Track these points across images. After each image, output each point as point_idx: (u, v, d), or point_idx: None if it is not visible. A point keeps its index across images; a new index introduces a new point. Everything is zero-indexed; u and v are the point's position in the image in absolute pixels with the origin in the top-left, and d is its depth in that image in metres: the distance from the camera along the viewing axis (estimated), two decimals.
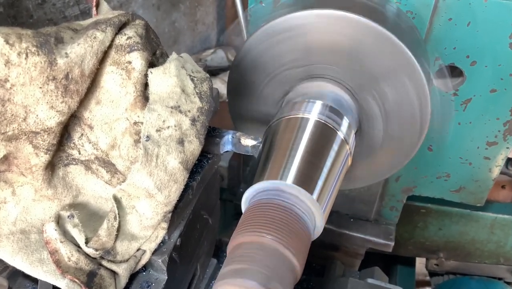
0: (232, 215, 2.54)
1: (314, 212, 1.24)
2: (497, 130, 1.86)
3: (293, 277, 1.12)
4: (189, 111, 1.23)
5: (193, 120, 1.23)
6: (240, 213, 1.25)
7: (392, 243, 2.25)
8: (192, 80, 1.27)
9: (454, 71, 1.75)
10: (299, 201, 1.22)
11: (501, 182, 2.56)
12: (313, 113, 1.46)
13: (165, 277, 1.27)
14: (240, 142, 1.43)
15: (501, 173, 2.13)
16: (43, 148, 1.15)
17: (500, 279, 2.76)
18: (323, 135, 1.43)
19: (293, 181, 1.25)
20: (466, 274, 2.77)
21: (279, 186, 1.24)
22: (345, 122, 1.49)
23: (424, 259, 2.88)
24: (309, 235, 1.22)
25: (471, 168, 2.02)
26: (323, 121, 1.44)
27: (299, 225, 1.17)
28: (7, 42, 1.00)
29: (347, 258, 2.40)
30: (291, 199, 1.21)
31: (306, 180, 1.28)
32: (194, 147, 1.22)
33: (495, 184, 2.17)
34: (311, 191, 1.24)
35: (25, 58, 1.03)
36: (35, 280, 1.23)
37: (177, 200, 1.23)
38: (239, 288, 1.03)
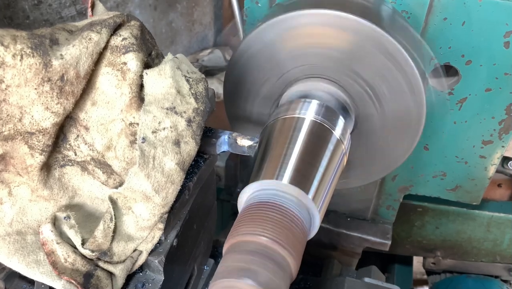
0: (229, 215, 2.55)
1: (310, 211, 1.25)
2: (492, 129, 1.86)
3: (289, 276, 1.12)
4: (184, 112, 1.23)
5: (189, 121, 1.23)
6: (237, 213, 1.26)
7: (389, 242, 2.26)
8: (187, 81, 1.27)
9: (450, 71, 1.75)
10: (295, 200, 1.23)
11: (497, 180, 2.56)
12: (309, 113, 1.46)
13: (161, 277, 1.27)
14: (236, 142, 1.43)
15: (497, 171, 2.14)
16: (38, 149, 1.15)
17: (496, 277, 2.76)
18: (319, 135, 1.43)
19: (289, 180, 1.25)
20: (463, 273, 2.77)
21: (275, 185, 1.25)
22: (340, 122, 1.49)
23: (421, 258, 2.88)
24: (305, 234, 1.22)
25: (467, 166, 2.02)
26: (318, 121, 1.45)
27: (295, 224, 1.18)
28: (1, 44, 1.01)
29: (344, 257, 2.41)
30: (287, 199, 1.22)
31: (302, 179, 1.28)
32: (190, 147, 1.23)
33: (491, 183, 2.17)
34: (306, 190, 1.25)
35: (20, 60, 1.03)
36: (31, 282, 1.24)
37: (174, 201, 1.24)
38: (235, 287, 1.04)
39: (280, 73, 1.64)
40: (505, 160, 2.30)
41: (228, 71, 1.72)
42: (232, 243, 1.15)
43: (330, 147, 1.42)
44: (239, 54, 1.65)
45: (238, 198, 1.31)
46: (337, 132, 1.46)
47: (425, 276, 3.04)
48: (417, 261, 3.05)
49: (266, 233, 1.11)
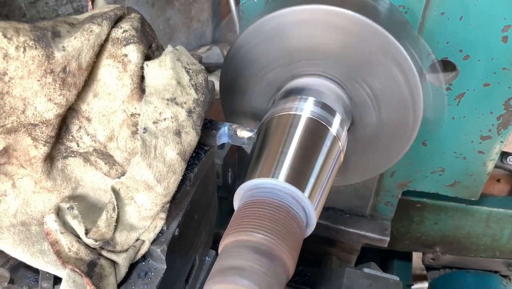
0: (227, 212, 2.55)
1: (306, 209, 1.25)
2: (490, 124, 1.87)
3: (285, 275, 1.13)
4: (185, 103, 1.24)
5: (189, 112, 1.24)
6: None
7: (388, 238, 2.27)
8: (187, 72, 1.28)
9: (448, 66, 1.76)
10: (291, 198, 1.23)
11: (496, 175, 2.57)
12: (305, 110, 1.46)
13: (164, 266, 1.28)
14: (236, 134, 1.44)
15: (496, 166, 2.15)
16: (41, 140, 1.17)
17: (496, 272, 2.77)
18: (315, 132, 1.44)
19: (285, 178, 1.25)
20: (462, 268, 2.79)
21: (271, 183, 1.25)
22: (337, 119, 1.49)
23: (420, 254, 2.89)
24: (301, 232, 1.23)
25: (465, 162, 2.03)
26: (315, 118, 1.45)
27: (291, 222, 1.18)
28: (5, 36, 1.02)
29: (343, 254, 2.42)
30: (283, 197, 1.22)
31: (298, 177, 1.28)
32: (191, 138, 1.24)
33: (490, 178, 2.18)
34: (303, 188, 1.25)
35: (23, 52, 1.04)
36: (36, 271, 1.24)
37: (175, 191, 1.25)
38: (233, 287, 1.04)
39: (276, 69, 1.65)
40: (504, 155, 2.30)
41: (225, 66, 1.72)
42: (228, 242, 1.16)
43: (327, 144, 1.42)
44: (235, 51, 1.66)
45: (234, 196, 1.31)
46: (333, 129, 1.46)
47: (425, 272, 3.05)
48: (417, 257, 3.07)
49: (262, 232, 1.12)
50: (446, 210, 2.46)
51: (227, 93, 1.78)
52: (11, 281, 1.26)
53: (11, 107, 1.09)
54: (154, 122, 1.19)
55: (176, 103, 1.22)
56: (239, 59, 1.66)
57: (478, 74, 1.73)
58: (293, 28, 1.54)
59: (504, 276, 2.78)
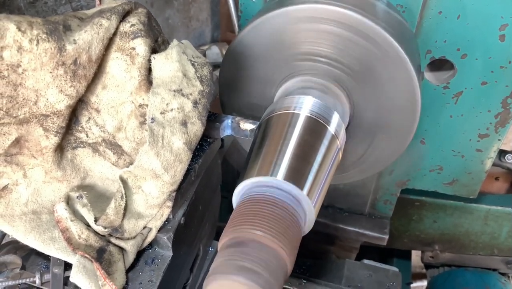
0: (227, 211, 2.54)
1: (305, 207, 1.27)
2: (488, 123, 1.88)
3: (284, 272, 1.15)
4: (191, 94, 1.27)
5: (195, 103, 1.27)
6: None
7: (387, 237, 2.28)
8: (193, 65, 1.31)
9: (445, 64, 1.78)
10: (289, 196, 1.25)
11: (494, 173, 2.58)
12: (304, 109, 1.47)
13: (170, 253, 1.31)
14: (239, 126, 1.47)
15: (494, 164, 2.14)
16: (53, 130, 1.21)
17: (494, 270, 2.78)
18: (314, 131, 1.44)
19: (283, 176, 1.26)
20: (461, 266, 2.79)
21: (270, 181, 1.27)
22: (335, 117, 1.50)
23: (419, 252, 2.90)
24: (299, 230, 1.24)
25: (463, 160, 2.04)
26: (313, 117, 1.46)
27: (289, 220, 1.20)
28: (19, 29, 1.06)
29: (342, 252, 2.42)
30: (282, 195, 1.24)
31: (297, 175, 1.29)
32: (196, 128, 1.27)
33: (489, 176, 2.18)
34: (301, 186, 1.26)
35: (36, 45, 1.08)
36: (47, 258, 1.28)
37: (181, 181, 1.28)
38: (230, 284, 1.07)
39: (274, 68, 1.67)
40: (502, 153, 2.30)
41: (223, 66, 1.74)
42: (227, 239, 1.17)
43: (325, 142, 1.43)
44: (233, 49, 1.68)
45: (233, 194, 1.32)
46: (332, 128, 1.47)
47: (424, 270, 3.06)
48: (416, 255, 3.07)
49: (261, 229, 1.13)
50: (444, 208, 2.48)
51: (226, 91, 1.80)
52: (23, 268, 1.30)
53: (24, 99, 1.13)
54: (161, 113, 1.23)
55: (183, 95, 1.26)
56: (238, 58, 1.68)
57: (476, 73, 1.74)
58: (291, 27, 1.55)
59: (503, 274, 2.79)
